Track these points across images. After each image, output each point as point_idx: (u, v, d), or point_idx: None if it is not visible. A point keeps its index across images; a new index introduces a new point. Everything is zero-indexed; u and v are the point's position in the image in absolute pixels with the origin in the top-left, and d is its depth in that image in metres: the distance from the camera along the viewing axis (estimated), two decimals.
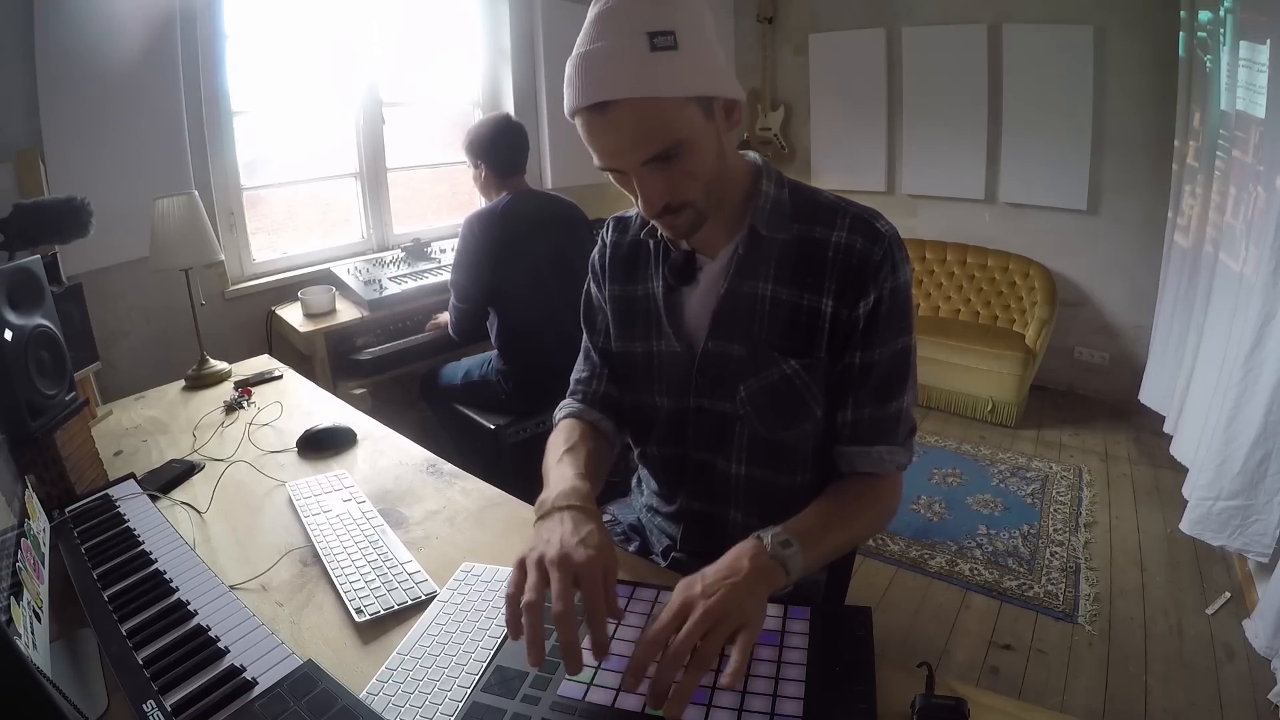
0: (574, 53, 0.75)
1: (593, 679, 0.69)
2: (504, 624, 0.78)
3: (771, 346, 0.88)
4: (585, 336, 1.07)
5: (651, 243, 0.95)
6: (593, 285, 1.04)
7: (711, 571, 0.70)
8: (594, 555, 0.69)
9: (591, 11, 0.75)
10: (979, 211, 3.54)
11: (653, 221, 0.85)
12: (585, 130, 0.77)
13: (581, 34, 0.75)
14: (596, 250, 1.04)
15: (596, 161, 0.79)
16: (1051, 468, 2.81)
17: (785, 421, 0.90)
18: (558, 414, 1.04)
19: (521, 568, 0.71)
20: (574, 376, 1.07)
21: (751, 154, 0.92)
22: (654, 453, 1.03)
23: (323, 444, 1.31)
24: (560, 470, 0.86)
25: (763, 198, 0.88)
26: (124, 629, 0.78)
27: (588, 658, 0.66)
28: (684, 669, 0.63)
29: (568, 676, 0.67)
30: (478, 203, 2.19)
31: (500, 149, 2.06)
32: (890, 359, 0.86)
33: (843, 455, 0.90)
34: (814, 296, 0.86)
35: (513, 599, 0.68)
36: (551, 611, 0.65)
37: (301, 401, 1.55)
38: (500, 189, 2.08)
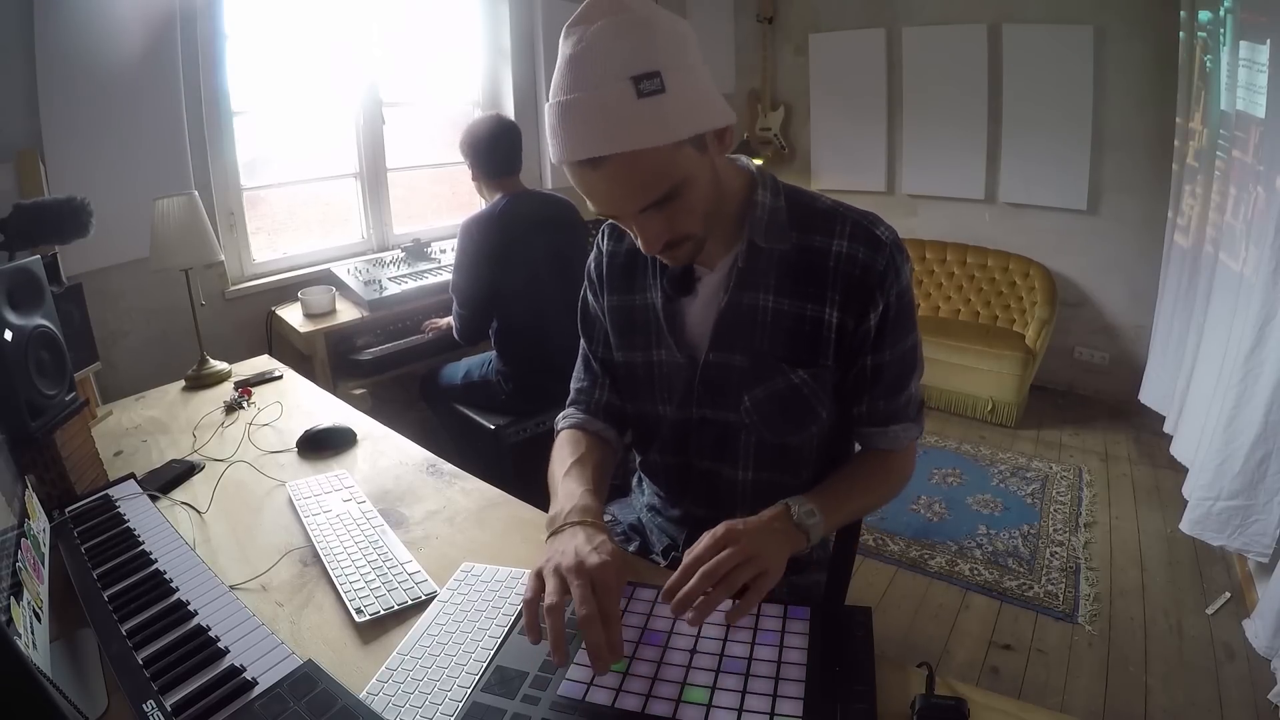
0: (553, 100, 0.71)
1: (627, 667, 0.71)
2: (504, 625, 0.78)
3: (777, 357, 0.88)
4: (583, 344, 1.06)
5: None
6: (589, 294, 1.04)
7: (750, 520, 0.78)
8: (609, 561, 0.72)
9: (564, 51, 0.70)
10: (979, 211, 3.54)
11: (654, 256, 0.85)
12: (577, 182, 0.75)
13: (558, 78, 0.71)
14: (592, 258, 1.03)
15: (591, 208, 0.78)
16: (1051, 468, 2.81)
17: (793, 427, 0.91)
18: (560, 423, 1.04)
19: (539, 576, 0.72)
20: (574, 385, 1.06)
21: (744, 160, 0.91)
22: (657, 460, 1.03)
23: (323, 444, 1.31)
24: (568, 486, 0.87)
25: (759, 209, 0.86)
26: (124, 629, 0.78)
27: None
28: (713, 587, 0.70)
29: (597, 682, 0.69)
30: (478, 203, 2.19)
31: (494, 150, 2.06)
32: (900, 357, 0.89)
33: (860, 435, 0.96)
34: (817, 306, 0.86)
35: (531, 604, 0.70)
36: (576, 617, 0.67)
37: (301, 401, 1.55)
38: (496, 190, 2.08)
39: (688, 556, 0.73)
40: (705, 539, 0.74)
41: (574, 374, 1.08)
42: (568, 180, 0.77)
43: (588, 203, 0.78)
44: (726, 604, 0.71)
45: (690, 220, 0.78)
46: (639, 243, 0.80)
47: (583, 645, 0.68)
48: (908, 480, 0.98)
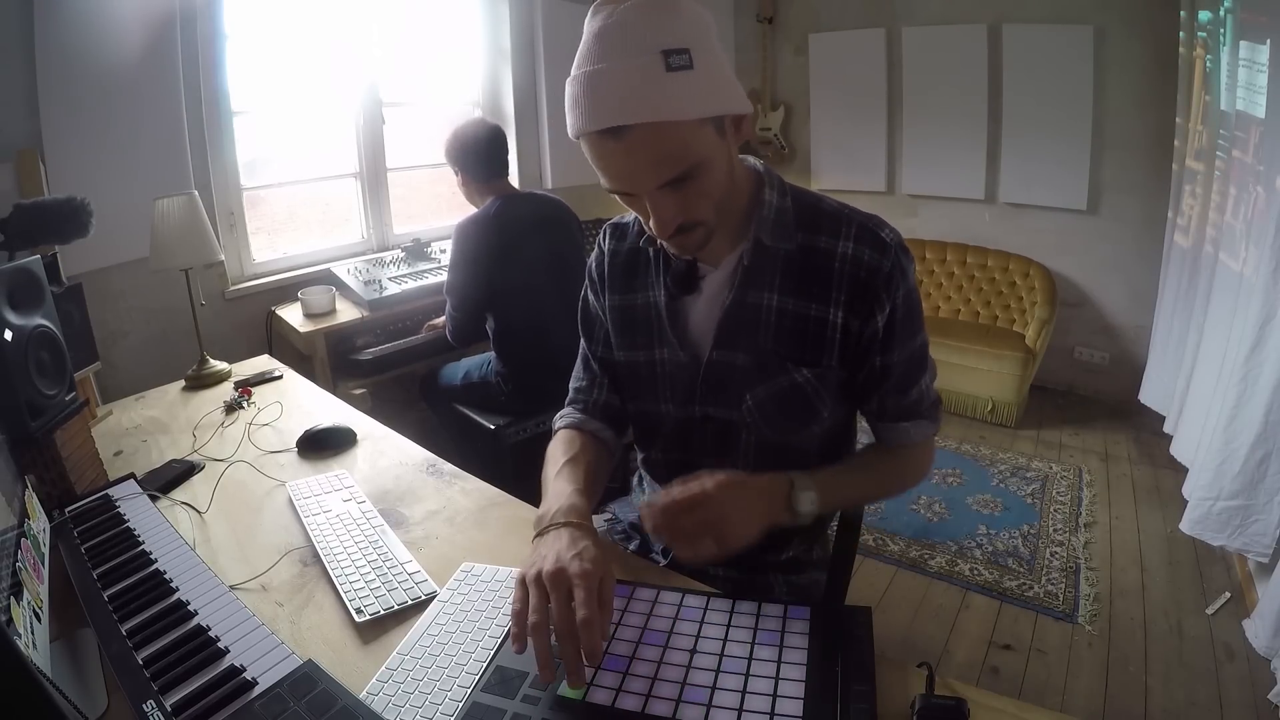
0: (577, 71, 0.71)
1: (584, 696, 0.68)
2: (504, 625, 0.79)
3: (782, 356, 0.88)
4: (583, 344, 1.06)
5: (651, 250, 0.94)
6: (590, 293, 1.04)
7: (732, 475, 0.78)
8: (589, 568, 0.70)
9: (592, 26, 0.71)
10: (979, 211, 3.54)
11: (663, 242, 0.84)
12: (595, 154, 0.74)
13: (582, 51, 0.71)
14: (594, 258, 1.03)
15: (605, 184, 0.77)
16: (1051, 468, 2.81)
17: (794, 425, 0.91)
18: (557, 423, 1.04)
19: (523, 584, 0.71)
20: (573, 384, 1.07)
21: (751, 160, 0.92)
22: (659, 459, 1.03)
23: (323, 444, 1.31)
24: (557, 485, 0.87)
25: (766, 207, 0.87)
26: (124, 629, 0.78)
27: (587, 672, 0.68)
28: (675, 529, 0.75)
29: (566, 691, 0.68)
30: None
31: (488, 153, 2.06)
32: (908, 358, 0.89)
33: (876, 430, 0.97)
34: (821, 307, 0.86)
35: (518, 615, 0.69)
36: (554, 628, 0.66)
37: (301, 401, 1.55)
38: (488, 193, 2.08)
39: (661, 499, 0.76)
40: (686, 487, 0.76)
41: (573, 373, 1.08)
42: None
43: (601, 179, 0.77)
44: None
45: (704, 205, 0.78)
46: (651, 225, 0.79)
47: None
48: (924, 475, 0.98)
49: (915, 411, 0.93)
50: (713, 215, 0.80)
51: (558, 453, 0.95)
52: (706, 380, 0.92)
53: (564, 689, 0.68)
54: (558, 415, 1.05)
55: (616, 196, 0.79)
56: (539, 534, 0.79)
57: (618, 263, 0.99)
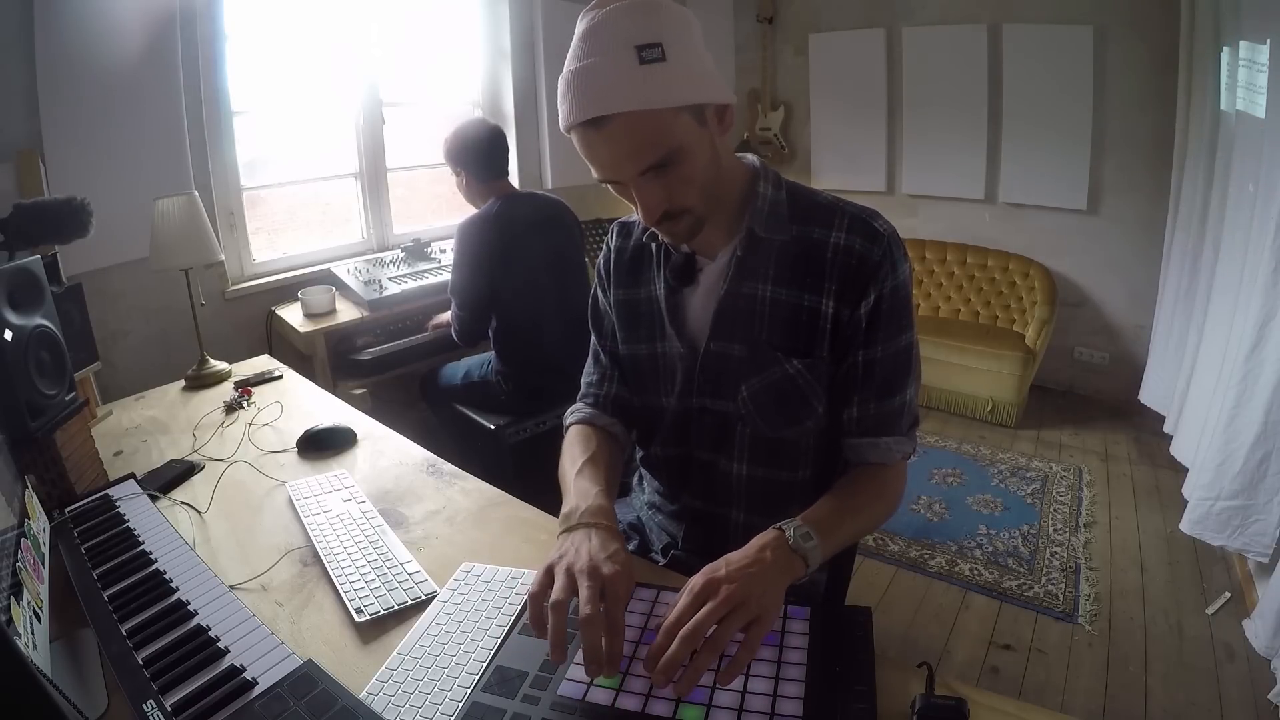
0: (565, 69, 0.76)
1: (620, 684, 0.69)
2: (504, 625, 0.78)
3: (773, 347, 0.88)
4: (594, 339, 1.08)
5: (654, 246, 0.96)
6: (599, 290, 1.06)
7: (736, 558, 0.72)
8: (620, 571, 0.71)
9: (579, 27, 0.76)
10: (979, 211, 3.54)
11: (653, 229, 0.86)
12: (582, 145, 0.78)
13: (571, 50, 0.76)
14: (602, 255, 1.05)
15: (595, 174, 0.80)
16: (1051, 468, 2.81)
17: (787, 420, 0.91)
18: (569, 418, 1.05)
19: (548, 573, 0.72)
20: (584, 379, 1.08)
21: (749, 156, 0.93)
22: (658, 453, 1.04)
23: (323, 444, 1.31)
24: (580, 484, 0.87)
25: (760, 199, 0.88)
26: (124, 629, 0.78)
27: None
28: (697, 650, 0.64)
29: (596, 681, 0.68)
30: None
31: (490, 153, 2.06)
32: (893, 356, 0.88)
33: (851, 447, 0.92)
34: (814, 297, 0.86)
35: (536, 598, 0.70)
36: (579, 616, 0.66)
37: (301, 402, 1.55)
38: (486, 194, 2.08)
39: (669, 616, 0.67)
40: (684, 595, 0.68)
41: (585, 369, 1.09)
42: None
43: (591, 170, 0.80)
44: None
45: (688, 192, 0.80)
46: (638, 213, 0.82)
47: (581, 648, 0.67)
48: (900, 500, 0.92)
49: (895, 424, 0.90)
50: (699, 202, 0.82)
51: (576, 450, 0.95)
52: (704, 371, 0.93)
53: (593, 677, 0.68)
54: (569, 410, 1.06)
55: (608, 187, 0.82)
56: (567, 529, 0.79)
57: (623, 259, 1.01)
